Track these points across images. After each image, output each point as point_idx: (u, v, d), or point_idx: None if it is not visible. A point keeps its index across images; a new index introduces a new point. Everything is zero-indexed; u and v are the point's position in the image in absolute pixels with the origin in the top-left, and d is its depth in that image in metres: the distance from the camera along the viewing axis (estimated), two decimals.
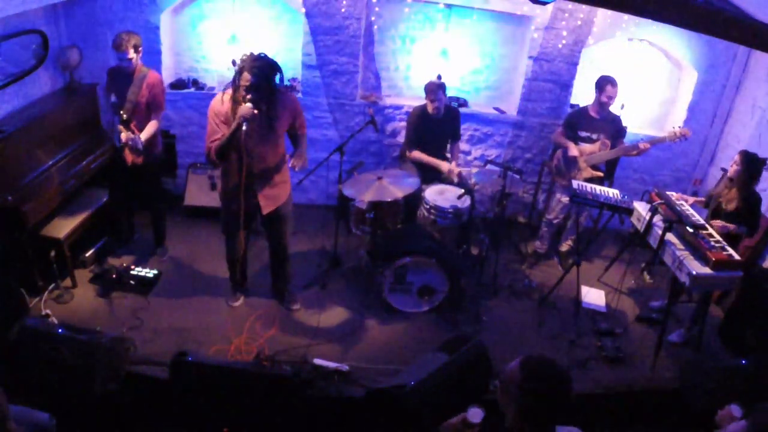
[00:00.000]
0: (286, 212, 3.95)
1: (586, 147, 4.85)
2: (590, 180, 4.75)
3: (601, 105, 4.74)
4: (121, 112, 4.10)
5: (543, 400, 1.78)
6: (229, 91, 3.48)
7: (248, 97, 3.35)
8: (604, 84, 4.68)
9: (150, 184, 4.52)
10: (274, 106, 3.51)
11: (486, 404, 2.06)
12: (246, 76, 3.32)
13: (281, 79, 3.49)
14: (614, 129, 4.82)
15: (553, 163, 5.14)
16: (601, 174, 4.85)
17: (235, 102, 3.43)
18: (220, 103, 3.51)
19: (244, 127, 3.35)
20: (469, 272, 4.75)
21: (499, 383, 1.93)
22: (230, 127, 3.43)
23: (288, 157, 3.81)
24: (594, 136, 4.83)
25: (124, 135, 4.11)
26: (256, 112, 3.36)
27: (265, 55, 3.40)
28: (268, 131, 3.57)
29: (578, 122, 4.87)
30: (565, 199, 4.98)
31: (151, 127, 4.26)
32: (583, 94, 5.49)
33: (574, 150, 4.83)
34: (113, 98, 4.16)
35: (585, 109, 4.89)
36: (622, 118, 4.88)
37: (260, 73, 3.32)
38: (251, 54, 3.37)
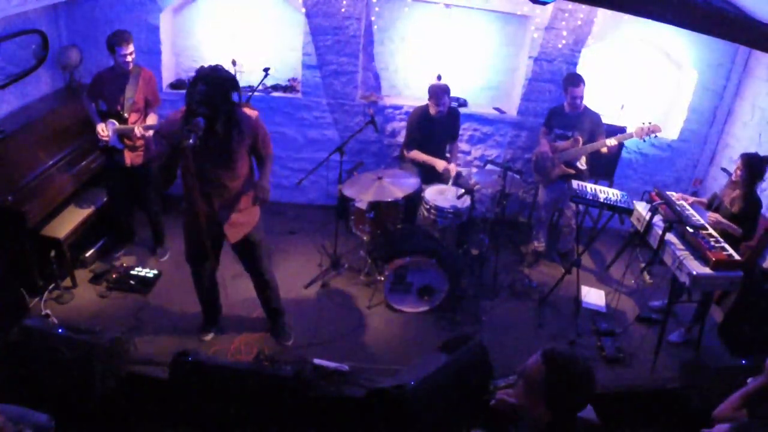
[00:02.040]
0: (257, 239, 3.60)
1: (559, 144, 4.88)
2: (563, 176, 4.78)
3: (570, 104, 4.81)
4: (122, 112, 4.10)
5: (571, 390, 1.84)
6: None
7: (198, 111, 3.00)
8: (566, 85, 4.78)
9: (148, 184, 4.50)
10: (229, 125, 3.16)
11: (485, 405, 2.06)
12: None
13: (237, 97, 3.15)
14: (591, 126, 4.81)
15: (532, 161, 5.22)
16: (573, 171, 4.82)
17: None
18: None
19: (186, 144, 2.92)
20: (469, 272, 4.76)
21: (517, 380, 1.93)
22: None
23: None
24: (569, 134, 4.84)
25: (138, 130, 4.05)
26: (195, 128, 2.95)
27: (218, 68, 3.07)
28: (224, 154, 3.23)
29: (553, 120, 4.96)
30: (546, 196, 5.03)
31: (153, 118, 4.27)
32: None
33: (543, 146, 4.92)
34: (102, 105, 4.15)
35: (561, 107, 4.94)
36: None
37: (208, 86, 2.97)
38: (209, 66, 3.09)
